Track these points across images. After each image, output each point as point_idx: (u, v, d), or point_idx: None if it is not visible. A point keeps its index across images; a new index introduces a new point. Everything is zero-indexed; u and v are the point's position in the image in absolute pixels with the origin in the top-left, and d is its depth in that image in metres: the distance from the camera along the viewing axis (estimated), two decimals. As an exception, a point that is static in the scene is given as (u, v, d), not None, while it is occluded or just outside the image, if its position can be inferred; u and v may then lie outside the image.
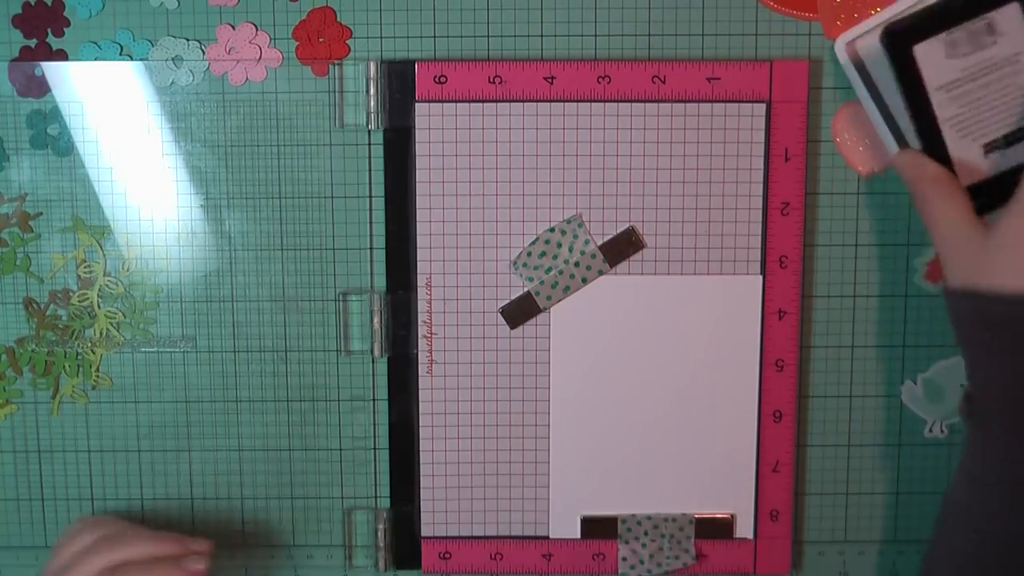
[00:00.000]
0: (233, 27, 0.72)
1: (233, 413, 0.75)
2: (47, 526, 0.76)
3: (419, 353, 0.73)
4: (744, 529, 0.75)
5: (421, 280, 0.72)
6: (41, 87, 0.72)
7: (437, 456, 0.74)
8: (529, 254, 0.72)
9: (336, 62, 0.72)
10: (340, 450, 0.75)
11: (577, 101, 0.71)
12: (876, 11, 0.71)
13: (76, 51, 0.72)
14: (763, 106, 0.71)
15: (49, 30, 0.72)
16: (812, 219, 0.73)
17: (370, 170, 0.72)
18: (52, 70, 0.71)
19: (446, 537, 0.75)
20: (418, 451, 0.74)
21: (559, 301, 0.73)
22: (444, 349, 0.73)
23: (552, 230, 0.72)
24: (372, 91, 0.71)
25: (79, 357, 0.74)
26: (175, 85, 0.72)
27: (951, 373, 0.74)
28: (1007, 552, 0.59)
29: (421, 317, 0.73)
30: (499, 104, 0.71)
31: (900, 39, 0.64)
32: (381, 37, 0.72)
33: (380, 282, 0.73)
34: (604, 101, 0.71)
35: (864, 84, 0.70)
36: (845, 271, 0.74)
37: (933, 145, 0.65)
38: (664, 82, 0.71)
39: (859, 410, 0.75)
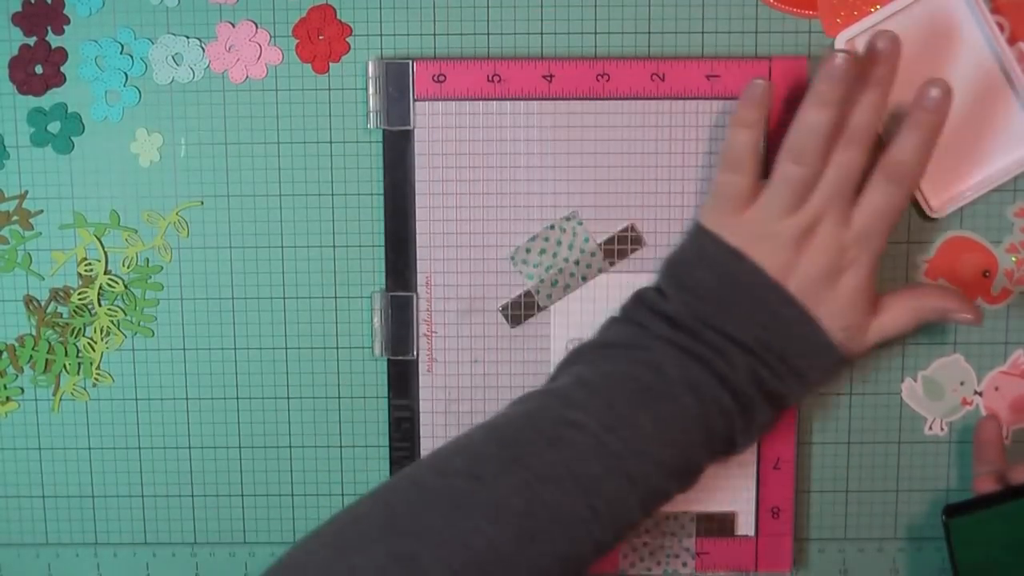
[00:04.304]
0: (233, 25, 0.72)
1: (233, 411, 0.75)
2: (48, 523, 0.76)
3: (419, 353, 0.73)
4: (745, 526, 0.75)
5: (421, 280, 0.72)
6: (41, 85, 0.72)
7: (437, 454, 0.74)
8: (528, 251, 0.72)
9: (336, 60, 0.72)
10: (340, 447, 0.75)
11: (576, 99, 0.71)
12: (876, 9, 0.70)
13: (76, 49, 0.72)
14: (763, 104, 0.71)
15: (49, 28, 0.72)
16: (812, 217, 0.73)
17: (370, 169, 0.72)
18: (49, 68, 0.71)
19: (446, 534, 0.75)
20: (418, 450, 0.74)
21: (559, 299, 0.73)
22: (444, 348, 0.73)
23: (552, 228, 0.72)
24: (372, 90, 0.71)
25: (80, 355, 0.74)
26: (175, 83, 0.72)
27: (951, 371, 0.74)
28: None
29: (421, 317, 0.73)
30: (498, 103, 0.71)
31: None
32: (381, 35, 0.72)
33: (380, 282, 0.73)
34: (603, 99, 0.71)
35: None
36: (845, 269, 0.74)
37: None
38: (663, 80, 0.71)
39: (859, 407, 0.75)
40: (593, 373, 0.66)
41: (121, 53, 0.72)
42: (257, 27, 0.72)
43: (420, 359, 0.73)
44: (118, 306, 0.74)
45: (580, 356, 0.69)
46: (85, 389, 0.75)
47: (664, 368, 0.65)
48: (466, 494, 0.62)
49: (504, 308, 0.73)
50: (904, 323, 0.69)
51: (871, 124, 0.66)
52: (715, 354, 0.65)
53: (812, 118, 0.65)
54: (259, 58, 0.72)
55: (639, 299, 0.69)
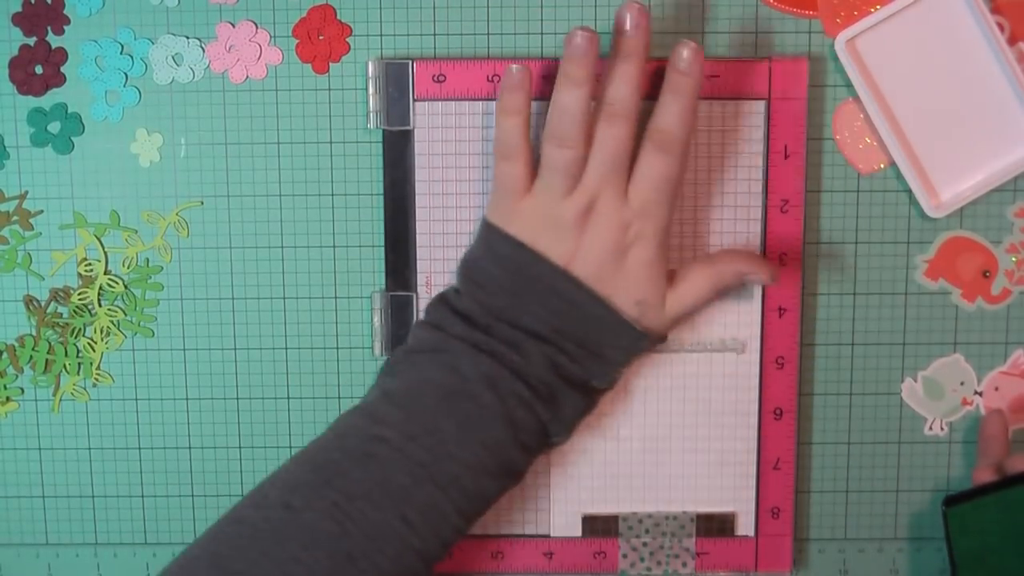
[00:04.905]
0: (233, 25, 0.72)
1: (233, 411, 0.75)
2: (48, 523, 0.76)
3: (419, 352, 0.73)
4: (745, 527, 0.75)
5: (421, 280, 0.72)
6: (41, 85, 0.72)
7: (437, 454, 0.74)
8: (529, 252, 0.72)
9: (336, 60, 0.72)
10: (341, 447, 0.75)
11: (577, 99, 0.71)
12: (876, 9, 0.70)
13: (76, 49, 0.72)
14: (763, 104, 0.71)
15: (49, 28, 0.72)
16: (812, 217, 0.73)
17: (370, 169, 0.72)
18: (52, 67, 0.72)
19: (446, 534, 0.75)
20: (418, 449, 0.74)
21: (559, 299, 0.73)
22: (444, 348, 0.73)
23: (552, 228, 0.72)
24: (372, 90, 0.71)
25: (80, 355, 0.74)
26: (175, 83, 0.72)
27: (951, 371, 0.74)
28: None
29: (421, 317, 0.73)
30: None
31: None
32: (381, 35, 0.72)
33: (380, 282, 0.73)
34: (604, 99, 0.71)
35: (864, 81, 0.70)
36: (845, 268, 0.73)
37: None
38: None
39: (859, 407, 0.75)
40: (397, 384, 0.66)
41: (121, 53, 0.72)
42: (257, 27, 0.72)
43: (420, 359, 0.73)
44: (118, 306, 0.74)
45: (388, 366, 0.69)
46: (85, 389, 0.75)
47: (462, 368, 0.65)
48: (281, 525, 0.62)
49: (504, 308, 0.73)
50: (702, 291, 0.68)
51: (629, 97, 0.65)
52: (508, 347, 0.65)
53: (566, 99, 0.65)
54: (259, 58, 0.72)
55: (439, 300, 0.69)
